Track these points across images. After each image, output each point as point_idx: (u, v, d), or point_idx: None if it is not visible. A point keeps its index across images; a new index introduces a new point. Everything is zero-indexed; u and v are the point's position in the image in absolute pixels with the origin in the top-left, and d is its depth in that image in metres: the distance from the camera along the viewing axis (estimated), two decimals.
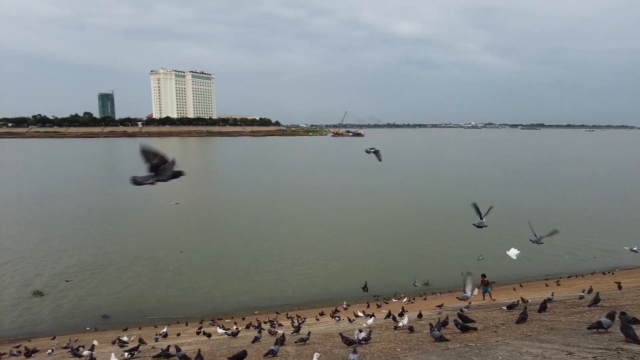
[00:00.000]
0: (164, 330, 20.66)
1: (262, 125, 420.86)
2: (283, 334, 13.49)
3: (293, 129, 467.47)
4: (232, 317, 26.59)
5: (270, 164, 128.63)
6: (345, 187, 79.64)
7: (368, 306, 26.23)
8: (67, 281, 33.12)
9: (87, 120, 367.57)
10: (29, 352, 15.22)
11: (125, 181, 6.08)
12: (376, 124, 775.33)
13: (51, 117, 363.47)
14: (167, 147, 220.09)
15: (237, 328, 19.26)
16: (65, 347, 17.70)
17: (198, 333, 19.94)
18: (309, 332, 13.35)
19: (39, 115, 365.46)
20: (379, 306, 25.59)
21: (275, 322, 21.68)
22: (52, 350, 16.28)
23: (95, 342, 16.01)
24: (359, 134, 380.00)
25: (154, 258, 39.31)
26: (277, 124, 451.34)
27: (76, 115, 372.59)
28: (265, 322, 21.78)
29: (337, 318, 21.49)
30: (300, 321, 20.92)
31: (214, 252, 41.66)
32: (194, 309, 29.70)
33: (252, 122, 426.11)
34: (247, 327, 20.96)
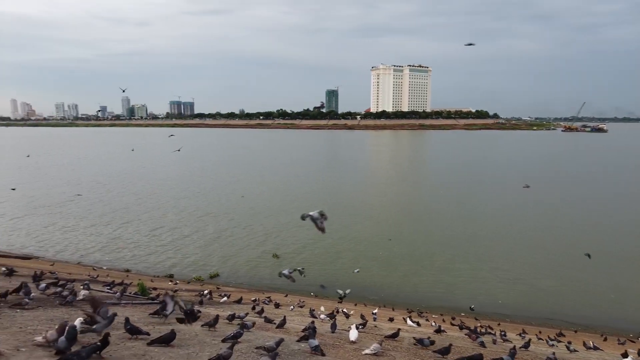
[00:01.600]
0: (375, 310, 22.50)
1: (478, 118, 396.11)
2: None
3: (513, 122, 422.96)
4: (442, 315, 26.65)
5: (483, 162, 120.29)
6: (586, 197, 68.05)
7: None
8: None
9: (315, 114, 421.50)
10: (278, 305, 19.14)
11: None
12: (626, 117, 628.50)
13: (289, 111, 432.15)
14: (380, 139, 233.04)
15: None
16: (300, 306, 21.34)
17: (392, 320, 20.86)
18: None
19: (281, 109, 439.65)
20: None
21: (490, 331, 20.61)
22: (293, 308, 19.91)
23: (322, 308, 18.76)
24: (600, 129, 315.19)
25: (366, 241, 42.71)
26: (495, 116, 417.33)
27: (307, 109, 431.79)
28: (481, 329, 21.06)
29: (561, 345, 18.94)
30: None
31: (420, 242, 42.42)
32: (402, 294, 31.26)
33: (467, 115, 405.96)
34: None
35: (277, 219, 51.32)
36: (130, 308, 11.39)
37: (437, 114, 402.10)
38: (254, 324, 10.68)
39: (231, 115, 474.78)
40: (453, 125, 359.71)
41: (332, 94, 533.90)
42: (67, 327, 5.71)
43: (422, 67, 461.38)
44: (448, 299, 30.47)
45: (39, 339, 5.56)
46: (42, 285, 13.10)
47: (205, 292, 21.76)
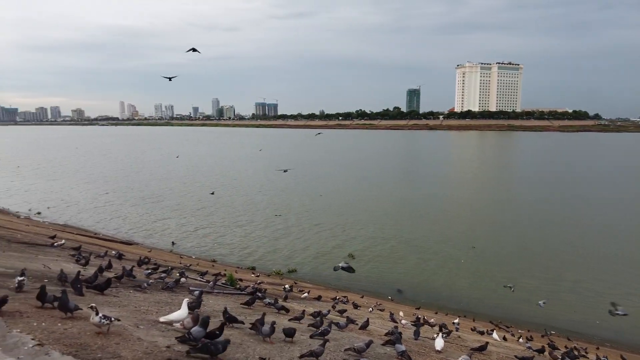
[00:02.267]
0: (456, 320, 21.54)
1: (575, 119, 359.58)
2: None
3: (619, 123, 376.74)
4: (529, 330, 24.79)
5: (584, 169, 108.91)
6: None
7: None
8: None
9: (395, 114, 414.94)
10: (356, 305, 19.20)
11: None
12: None
13: (368, 112, 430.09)
14: (464, 140, 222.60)
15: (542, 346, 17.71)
16: (380, 309, 21.20)
17: (482, 334, 19.75)
18: None
19: (360, 110, 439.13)
20: None
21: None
22: (372, 309, 19.85)
23: (401, 313, 18.43)
24: None
25: (447, 250, 41.11)
26: (596, 117, 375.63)
27: (387, 109, 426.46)
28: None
29: None
30: None
31: (507, 252, 39.81)
32: (483, 305, 29.59)
33: (563, 116, 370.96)
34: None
35: (356, 220, 51.47)
36: (222, 297, 12.22)
37: (529, 115, 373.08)
38: (347, 324, 10.81)
39: (311, 116, 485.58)
40: (546, 127, 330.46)
41: (413, 94, 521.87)
42: (201, 318, 6.19)
43: (513, 64, 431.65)
44: (534, 314, 28.17)
45: (177, 325, 6.11)
46: (147, 271, 14.58)
47: (287, 286, 22.50)
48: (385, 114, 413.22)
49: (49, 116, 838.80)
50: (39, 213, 53.66)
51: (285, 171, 55.61)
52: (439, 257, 38.82)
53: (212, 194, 60.83)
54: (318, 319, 9.89)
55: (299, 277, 34.64)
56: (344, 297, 24.51)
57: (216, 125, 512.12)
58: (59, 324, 5.29)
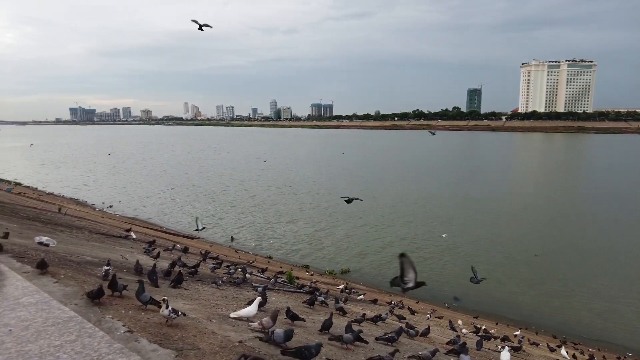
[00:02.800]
0: (517, 332, 20.50)
1: None
2: None
3: None
4: (599, 349, 22.98)
5: None
6: None
7: None
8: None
9: (454, 114, 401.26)
10: (413, 311, 18.87)
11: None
12: None
13: (426, 112, 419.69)
14: (529, 142, 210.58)
15: None
16: (437, 316, 20.66)
17: (552, 350, 18.58)
18: None
19: (417, 110, 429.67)
20: None
21: None
22: (429, 316, 19.38)
23: (460, 322, 17.83)
24: None
25: (507, 257, 39.15)
26: None
27: (446, 109, 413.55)
28: None
29: None
30: None
31: (573, 262, 37.16)
32: (546, 318, 27.87)
33: None
34: None
35: (410, 221, 50.57)
36: (283, 295, 12.55)
37: (602, 115, 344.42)
38: (417, 332, 10.59)
39: (366, 117, 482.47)
40: (623, 129, 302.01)
41: (474, 93, 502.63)
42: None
43: (585, 61, 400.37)
44: (604, 331, 26.03)
45: (255, 324, 6.37)
46: (211, 265, 15.32)
47: (342, 286, 22.58)
48: (443, 114, 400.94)
49: (121, 116, 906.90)
50: (111, 206, 58.21)
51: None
52: (499, 265, 37.06)
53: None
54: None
55: (352, 278, 34.61)
56: (399, 301, 24.15)
57: (273, 125, 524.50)
58: (143, 314, 5.74)
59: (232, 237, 44.34)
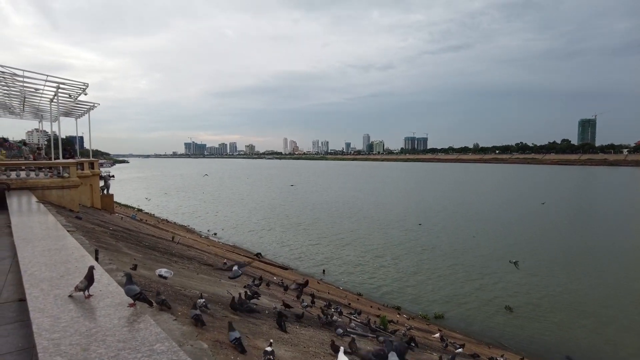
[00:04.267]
0: None
1: None
2: None
3: None
4: None
5: None
6: None
7: None
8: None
9: (564, 147, 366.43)
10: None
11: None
12: None
13: (530, 145, 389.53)
14: None
15: None
16: None
17: None
18: None
19: (521, 143, 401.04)
20: None
21: None
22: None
23: None
24: None
25: (633, 315, 33.50)
26: None
27: (554, 142, 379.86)
28: None
29: None
30: None
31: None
32: None
33: None
34: None
35: (513, 266, 46.26)
36: (376, 342, 12.18)
37: None
38: None
39: (464, 150, 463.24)
40: None
41: (587, 125, 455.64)
42: None
43: None
44: None
45: None
46: (305, 303, 15.58)
47: (438, 335, 21.28)
48: (551, 148, 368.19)
49: (228, 150, 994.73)
50: (215, 234, 62.88)
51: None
52: (620, 321, 31.87)
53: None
54: None
55: (447, 324, 32.35)
56: (502, 356, 22.00)
57: (365, 159, 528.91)
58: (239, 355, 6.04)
59: (323, 270, 44.75)
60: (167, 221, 68.05)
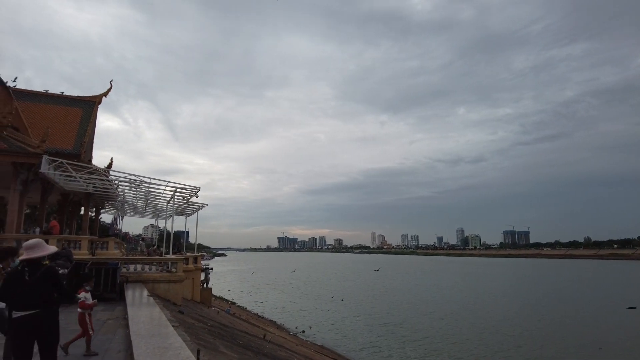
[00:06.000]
0: None
1: None
2: None
3: None
4: None
5: None
6: None
7: None
8: None
9: None
10: None
11: None
12: None
13: None
14: None
15: None
16: None
17: None
18: None
19: None
20: None
21: None
22: None
23: None
24: None
25: None
26: None
27: None
28: None
29: None
30: None
31: None
32: None
33: None
34: None
35: None
36: None
37: None
38: None
39: (573, 244, 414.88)
40: None
41: None
42: None
43: None
44: None
45: None
46: None
47: None
48: None
49: (317, 244, 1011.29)
50: (303, 331, 61.26)
51: None
52: None
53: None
54: None
55: None
56: None
57: (461, 254, 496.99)
58: None
59: None
60: (258, 315, 68.60)
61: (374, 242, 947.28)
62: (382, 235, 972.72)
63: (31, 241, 7.95)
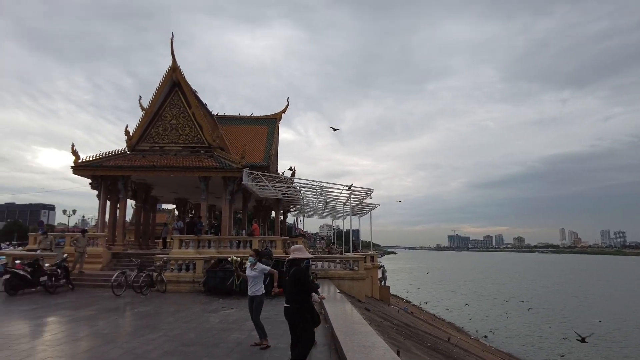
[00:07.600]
0: None
1: None
2: None
3: None
4: None
5: None
6: None
7: None
8: None
9: None
10: None
11: None
12: None
13: None
14: None
15: None
16: None
17: None
18: None
19: None
20: None
21: None
22: None
23: None
24: None
25: None
26: None
27: None
28: None
29: None
30: None
31: None
32: None
33: None
34: None
35: None
36: None
37: None
38: None
39: None
40: None
41: None
42: None
43: None
44: None
45: None
46: None
47: None
48: None
49: (494, 243, 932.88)
50: (485, 336, 57.09)
51: None
52: None
53: None
54: None
55: None
56: None
57: None
58: None
59: None
60: (435, 316, 66.92)
61: (563, 240, 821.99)
62: (574, 232, 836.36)
63: (296, 246, 10.24)
